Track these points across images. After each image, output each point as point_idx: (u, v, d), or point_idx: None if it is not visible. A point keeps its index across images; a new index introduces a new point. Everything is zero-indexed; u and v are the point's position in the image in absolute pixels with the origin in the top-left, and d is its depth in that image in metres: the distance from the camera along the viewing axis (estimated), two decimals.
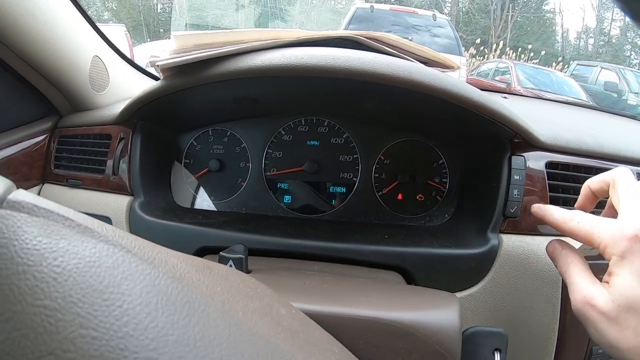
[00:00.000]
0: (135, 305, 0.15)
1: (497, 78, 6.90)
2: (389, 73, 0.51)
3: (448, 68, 0.70)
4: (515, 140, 0.62)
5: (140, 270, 0.16)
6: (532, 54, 11.76)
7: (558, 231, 0.46)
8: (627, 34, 22.57)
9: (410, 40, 0.67)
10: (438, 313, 0.39)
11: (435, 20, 5.94)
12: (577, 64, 9.35)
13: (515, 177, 0.60)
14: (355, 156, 0.75)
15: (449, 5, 18.39)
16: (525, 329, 0.59)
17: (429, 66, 0.67)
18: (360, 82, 0.54)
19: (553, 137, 0.64)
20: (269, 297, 0.26)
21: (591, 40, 23.31)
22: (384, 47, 0.61)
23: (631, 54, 22.29)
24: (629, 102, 7.49)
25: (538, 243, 0.60)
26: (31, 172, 0.79)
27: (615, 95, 7.58)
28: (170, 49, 0.51)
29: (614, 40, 22.85)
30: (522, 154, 0.62)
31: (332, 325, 0.34)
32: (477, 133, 0.66)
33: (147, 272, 0.17)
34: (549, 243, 0.47)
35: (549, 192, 0.61)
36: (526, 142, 0.62)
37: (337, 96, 0.66)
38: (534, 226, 0.61)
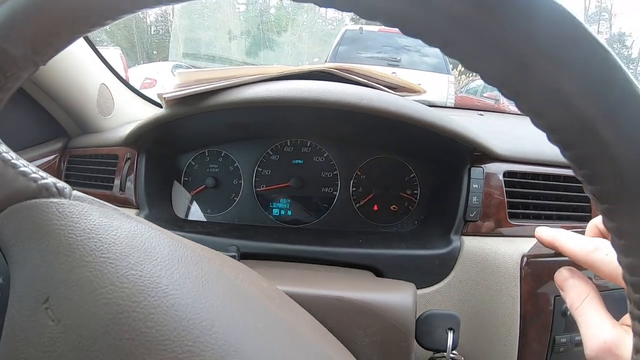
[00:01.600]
0: (164, 259, 0.24)
1: (485, 94, 7.01)
2: (353, 102, 0.61)
3: (415, 92, 0.79)
4: (475, 154, 0.71)
5: (166, 241, 0.25)
6: None
7: (547, 247, 0.41)
8: (614, 46, 23.04)
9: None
10: (395, 294, 0.47)
11: None
12: None
13: (474, 186, 0.70)
14: (335, 172, 0.84)
15: None
16: (488, 320, 0.67)
17: (397, 91, 0.76)
18: (333, 109, 0.63)
19: (511, 150, 0.73)
20: (254, 274, 0.35)
21: None
22: (355, 77, 0.71)
23: None
24: None
25: (497, 244, 0.68)
26: None
27: None
28: (174, 83, 0.61)
29: None
30: (481, 166, 0.71)
31: (305, 303, 0.42)
32: (441, 149, 0.76)
33: (171, 243, 0.25)
34: (558, 271, 0.41)
35: (507, 198, 0.70)
36: (485, 155, 0.71)
37: (317, 120, 0.75)
38: (494, 229, 0.70)
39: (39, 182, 0.25)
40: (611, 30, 23.22)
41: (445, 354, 0.49)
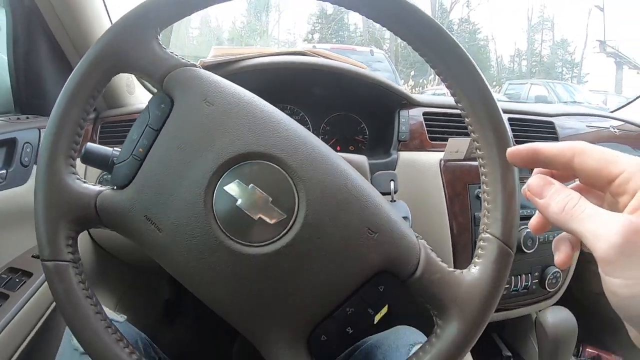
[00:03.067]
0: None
1: None
2: (324, 64, 1.00)
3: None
4: (403, 102, 1.09)
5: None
6: None
7: (525, 161, 0.38)
8: (558, 52, 24.43)
9: None
10: (354, 156, 0.78)
11: (373, 55, 6.58)
12: (510, 84, 10.39)
13: (402, 120, 1.07)
14: (308, 126, 1.20)
15: (388, 41, 19.71)
16: (425, 205, 1.00)
17: None
18: (309, 73, 1.01)
19: (427, 99, 1.12)
20: None
21: (524, 62, 24.98)
22: (325, 56, 1.08)
23: (562, 70, 24.04)
24: None
25: (423, 155, 1.05)
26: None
27: None
28: (210, 55, 0.97)
29: (545, 60, 24.60)
30: (407, 110, 1.09)
31: None
32: (380, 102, 1.13)
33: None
34: (530, 181, 0.37)
35: (426, 127, 1.08)
36: (409, 103, 1.10)
37: (296, 86, 1.11)
38: (419, 146, 1.07)
39: (189, 62, 0.51)
40: (554, 38, 24.75)
41: (390, 195, 0.82)
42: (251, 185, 0.46)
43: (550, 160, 0.36)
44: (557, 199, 0.34)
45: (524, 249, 1.01)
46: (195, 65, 0.52)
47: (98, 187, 0.51)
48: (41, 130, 0.96)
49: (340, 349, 0.49)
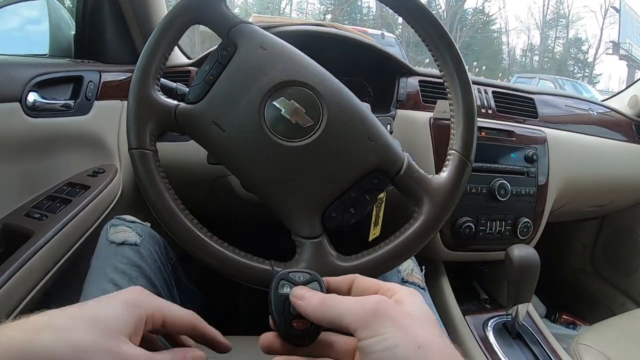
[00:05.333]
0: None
1: None
2: (339, 33, 1.21)
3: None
4: (403, 71, 1.31)
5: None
6: (477, 70, 12.98)
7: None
8: (570, 50, 24.25)
9: None
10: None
11: (383, 39, 6.66)
12: (518, 77, 10.54)
13: (401, 85, 1.28)
14: None
15: (400, 27, 19.72)
16: (417, 150, 1.19)
17: None
18: (327, 40, 1.22)
19: (424, 70, 1.34)
20: None
21: (536, 57, 24.82)
22: (340, 29, 1.30)
23: (574, 69, 23.95)
24: None
25: (416, 113, 1.26)
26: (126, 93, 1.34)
27: None
28: (250, 20, 1.18)
29: (557, 57, 24.48)
30: (406, 77, 1.31)
31: None
32: (384, 70, 1.34)
33: None
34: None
35: (421, 92, 1.29)
36: (409, 71, 1.31)
37: (317, 51, 1.32)
38: (414, 106, 1.28)
39: (248, 20, 0.72)
40: (568, 35, 24.95)
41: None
42: (292, 100, 0.67)
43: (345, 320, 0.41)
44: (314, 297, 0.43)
45: (498, 197, 1.22)
46: (252, 23, 0.71)
47: (176, 102, 0.68)
48: (101, 72, 1.15)
49: (344, 223, 0.70)
